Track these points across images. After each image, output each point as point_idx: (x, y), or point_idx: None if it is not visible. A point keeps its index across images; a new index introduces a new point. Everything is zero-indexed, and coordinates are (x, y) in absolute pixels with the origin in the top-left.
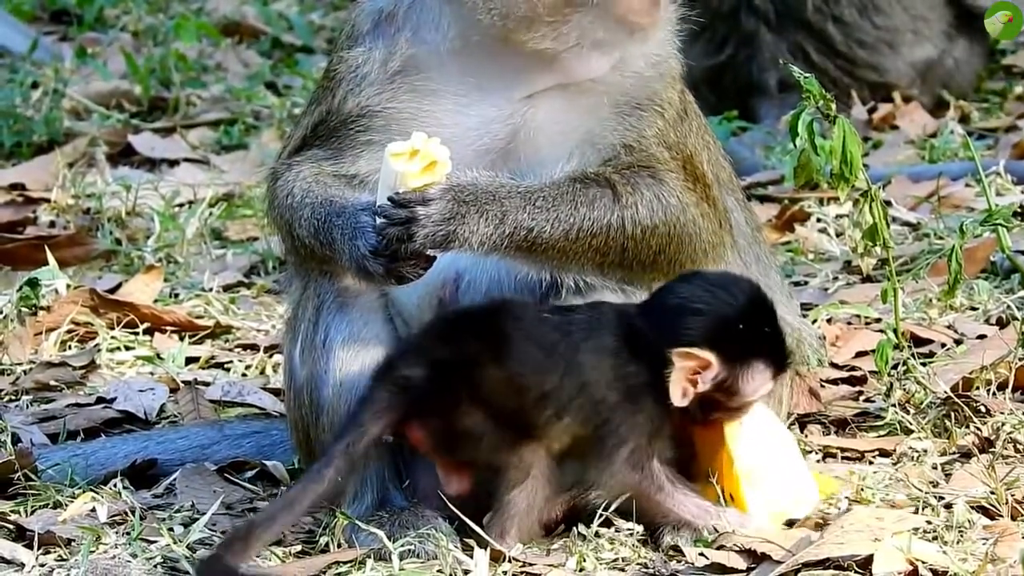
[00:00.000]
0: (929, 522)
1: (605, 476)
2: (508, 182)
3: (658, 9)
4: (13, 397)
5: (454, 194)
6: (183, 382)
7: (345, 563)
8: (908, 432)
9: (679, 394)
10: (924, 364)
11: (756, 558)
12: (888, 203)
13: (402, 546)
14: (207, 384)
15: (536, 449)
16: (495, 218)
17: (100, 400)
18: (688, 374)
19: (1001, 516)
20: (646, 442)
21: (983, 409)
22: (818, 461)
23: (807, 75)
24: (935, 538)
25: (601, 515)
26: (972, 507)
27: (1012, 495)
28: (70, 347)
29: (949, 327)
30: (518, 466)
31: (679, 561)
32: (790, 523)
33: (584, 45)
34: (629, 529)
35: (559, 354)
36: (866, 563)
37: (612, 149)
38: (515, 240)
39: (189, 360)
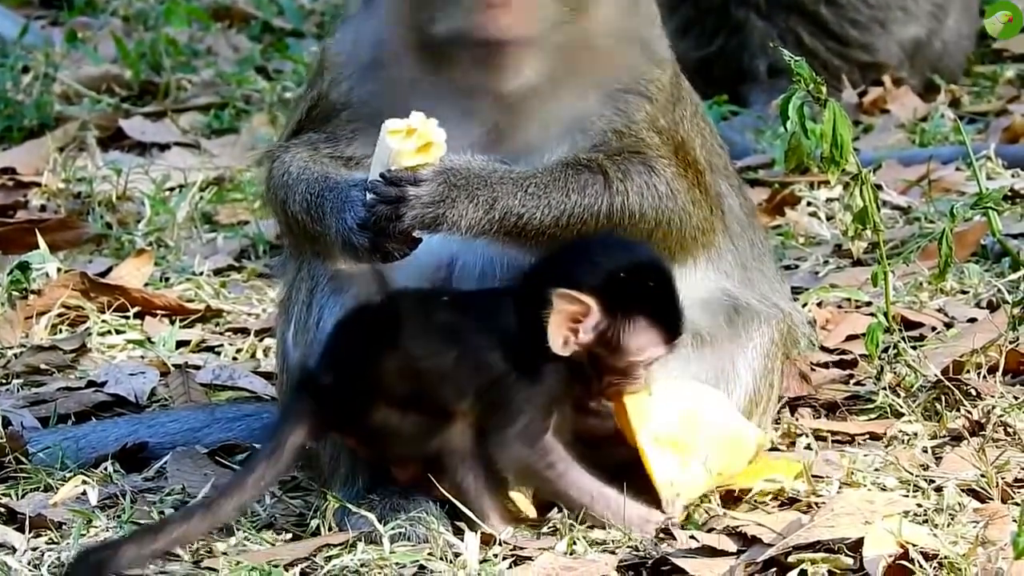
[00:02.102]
0: (920, 505)
1: (498, 450)
2: (501, 167)
3: None
4: (3, 381)
5: (446, 177)
6: (174, 366)
7: (336, 546)
8: (898, 415)
9: (559, 341)
10: (914, 347)
11: (746, 541)
12: (878, 187)
13: (393, 529)
14: (198, 368)
15: (461, 430)
16: (485, 203)
17: (91, 384)
18: (568, 319)
19: (991, 499)
20: (540, 417)
21: (973, 392)
22: (808, 445)
23: (797, 58)
24: (925, 521)
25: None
26: (962, 490)
27: (1002, 478)
28: (61, 331)
29: (939, 310)
30: (450, 451)
31: (669, 544)
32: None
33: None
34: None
35: (454, 334)
36: (856, 546)
37: (602, 135)
38: (505, 226)
39: (180, 344)
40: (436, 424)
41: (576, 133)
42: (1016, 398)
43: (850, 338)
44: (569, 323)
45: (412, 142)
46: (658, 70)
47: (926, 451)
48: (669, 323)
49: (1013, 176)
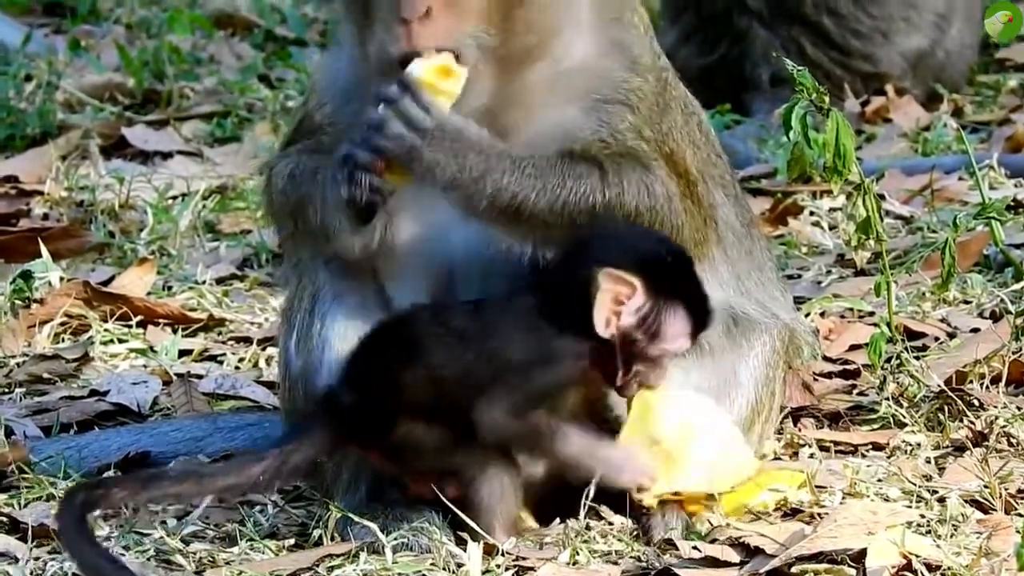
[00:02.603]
0: (923, 516)
1: (484, 419)
2: (500, 145)
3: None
4: (6, 390)
5: (441, 115)
6: (176, 375)
7: (338, 556)
8: (901, 426)
9: (603, 321)
10: (917, 358)
11: (749, 551)
12: (881, 196)
13: (395, 539)
14: (200, 377)
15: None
16: (473, 170)
17: (93, 393)
18: (614, 299)
19: (995, 510)
20: (537, 396)
21: (977, 403)
22: (811, 455)
23: (800, 68)
24: (929, 532)
25: (585, 504)
26: (966, 501)
27: (1006, 489)
28: (63, 340)
29: (942, 320)
30: (471, 463)
31: (672, 554)
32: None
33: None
34: (622, 523)
35: (472, 337)
36: (859, 557)
37: (588, 144)
38: (498, 204)
39: (182, 353)
40: (461, 436)
41: (565, 141)
42: (1019, 408)
43: (853, 348)
44: (613, 304)
45: (447, 82)
46: (639, 79)
47: (929, 462)
48: (701, 314)
49: (1016, 186)
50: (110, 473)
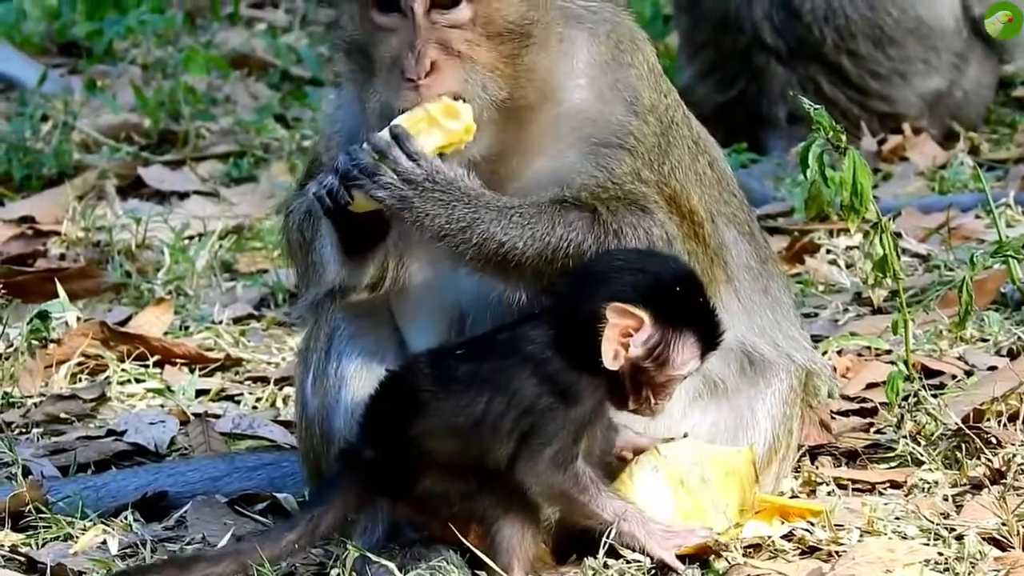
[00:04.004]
0: (940, 554)
1: (530, 477)
2: (490, 194)
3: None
4: (24, 430)
5: (431, 167)
6: (193, 414)
7: None
8: (919, 464)
9: (611, 355)
10: (935, 395)
11: None
12: (898, 235)
13: None
14: (217, 416)
15: (506, 485)
16: (462, 221)
17: (110, 432)
18: (621, 333)
19: (1012, 547)
20: (572, 441)
21: (994, 440)
22: (829, 493)
23: (817, 106)
24: (946, 570)
25: (605, 543)
26: (983, 539)
27: (1023, 526)
28: (80, 380)
29: (960, 358)
30: (494, 504)
31: None
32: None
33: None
34: (638, 560)
35: (482, 381)
36: None
37: (584, 188)
38: (485, 252)
39: (199, 392)
40: (483, 478)
41: (559, 189)
42: None
43: (870, 386)
44: (620, 337)
45: (452, 122)
46: (637, 121)
47: (947, 499)
48: (710, 335)
49: None
50: (127, 513)
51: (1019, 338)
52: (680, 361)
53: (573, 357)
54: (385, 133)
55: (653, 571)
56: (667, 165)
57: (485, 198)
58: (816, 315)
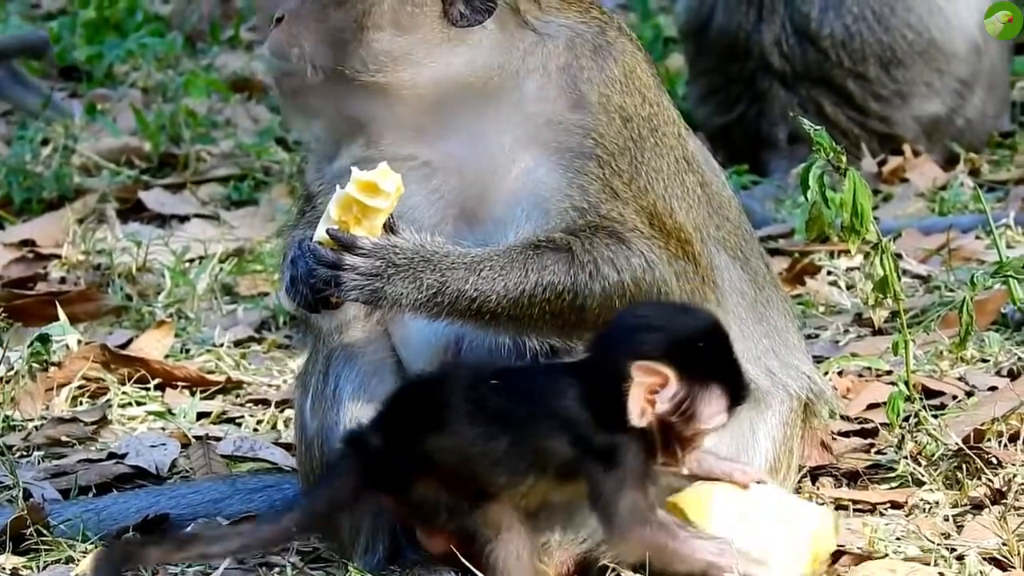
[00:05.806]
0: (942, 574)
1: (616, 539)
2: (455, 251)
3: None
4: (25, 453)
5: (387, 252)
6: (195, 437)
7: None
8: (920, 484)
9: (637, 412)
10: (935, 416)
11: None
12: (899, 255)
13: None
14: (219, 439)
15: (502, 508)
16: (431, 287)
17: (111, 455)
18: (647, 390)
19: (1013, 567)
20: (643, 494)
21: (995, 461)
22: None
23: (817, 127)
24: None
25: (615, 570)
26: (984, 559)
27: None
28: (81, 403)
29: (960, 379)
30: (487, 526)
31: None
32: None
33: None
34: None
35: (507, 420)
36: None
37: (564, 214)
38: (458, 308)
39: (200, 415)
40: (479, 501)
41: (538, 210)
42: None
43: (871, 407)
44: (647, 395)
45: (376, 200)
46: (602, 118)
47: (947, 520)
48: (736, 389)
49: None
50: (129, 535)
51: (1019, 358)
52: (707, 415)
53: (601, 415)
54: (326, 240)
55: None
56: (643, 175)
57: (451, 258)
58: (817, 336)
